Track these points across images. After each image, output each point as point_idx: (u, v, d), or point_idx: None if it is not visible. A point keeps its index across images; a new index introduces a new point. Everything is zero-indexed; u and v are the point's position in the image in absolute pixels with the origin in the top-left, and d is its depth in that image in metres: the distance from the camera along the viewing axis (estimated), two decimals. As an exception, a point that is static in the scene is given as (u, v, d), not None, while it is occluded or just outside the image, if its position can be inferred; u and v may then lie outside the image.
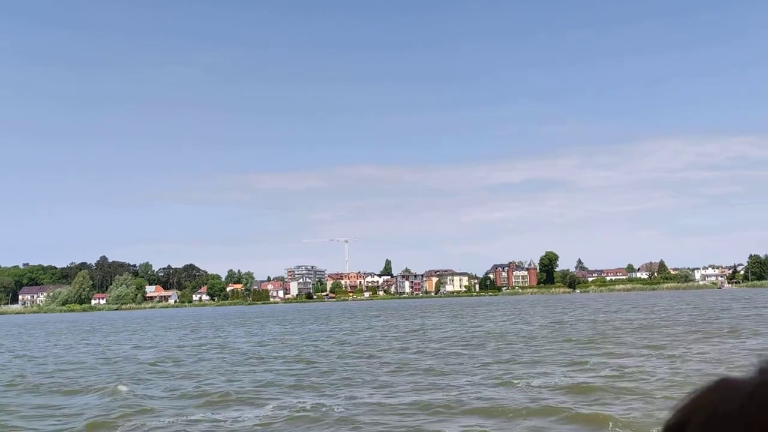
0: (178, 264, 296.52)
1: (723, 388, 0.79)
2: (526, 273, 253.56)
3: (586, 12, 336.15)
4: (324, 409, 15.24)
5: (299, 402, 16.29)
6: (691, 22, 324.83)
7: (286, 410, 15.30)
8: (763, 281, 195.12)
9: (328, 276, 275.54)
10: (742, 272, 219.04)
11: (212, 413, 15.41)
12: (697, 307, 63.06)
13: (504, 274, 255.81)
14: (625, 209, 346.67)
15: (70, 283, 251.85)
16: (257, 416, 14.75)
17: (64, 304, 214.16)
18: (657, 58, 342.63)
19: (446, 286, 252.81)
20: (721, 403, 0.77)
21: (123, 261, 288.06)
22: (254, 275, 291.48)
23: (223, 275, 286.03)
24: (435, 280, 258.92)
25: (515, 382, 18.28)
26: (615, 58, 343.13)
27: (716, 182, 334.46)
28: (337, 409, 15.21)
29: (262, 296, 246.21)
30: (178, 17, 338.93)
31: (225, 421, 14.38)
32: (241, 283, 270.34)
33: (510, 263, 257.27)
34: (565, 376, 19.02)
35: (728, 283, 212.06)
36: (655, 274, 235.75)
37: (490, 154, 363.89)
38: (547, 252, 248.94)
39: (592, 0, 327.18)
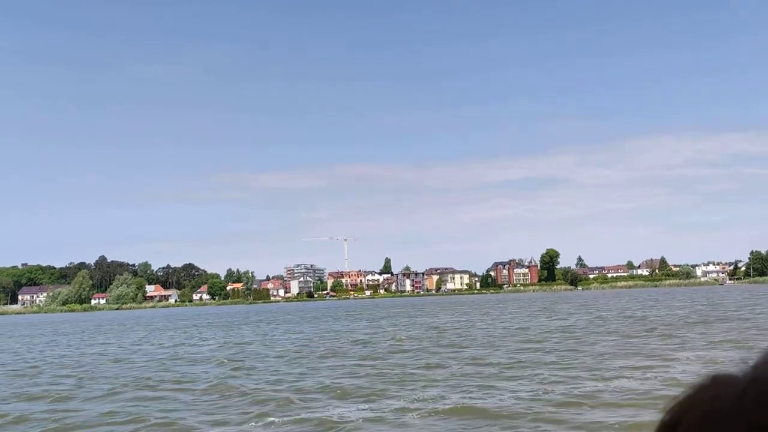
0: (177, 263, 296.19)
1: (716, 385, 0.78)
2: (527, 270, 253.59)
3: (584, 10, 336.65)
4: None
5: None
6: (690, 20, 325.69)
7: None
8: (765, 277, 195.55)
9: (329, 275, 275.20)
10: (743, 268, 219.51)
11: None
12: (719, 304, 62.73)
13: (505, 271, 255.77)
14: (623, 206, 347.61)
15: (69, 283, 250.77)
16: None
17: (64, 304, 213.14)
18: (654, 55, 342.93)
19: (447, 284, 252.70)
20: (714, 400, 0.76)
21: (122, 261, 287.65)
22: (253, 274, 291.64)
23: (222, 274, 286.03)
24: (436, 278, 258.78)
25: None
26: (612, 56, 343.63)
27: (713, 179, 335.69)
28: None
29: (262, 295, 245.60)
30: (177, 16, 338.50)
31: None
32: (240, 282, 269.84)
33: (511, 261, 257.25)
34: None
35: (729, 279, 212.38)
36: (656, 270, 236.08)
37: (487, 152, 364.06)
38: (548, 250, 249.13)
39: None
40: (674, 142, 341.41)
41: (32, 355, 35.06)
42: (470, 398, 15.43)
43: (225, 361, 26.70)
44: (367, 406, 14.93)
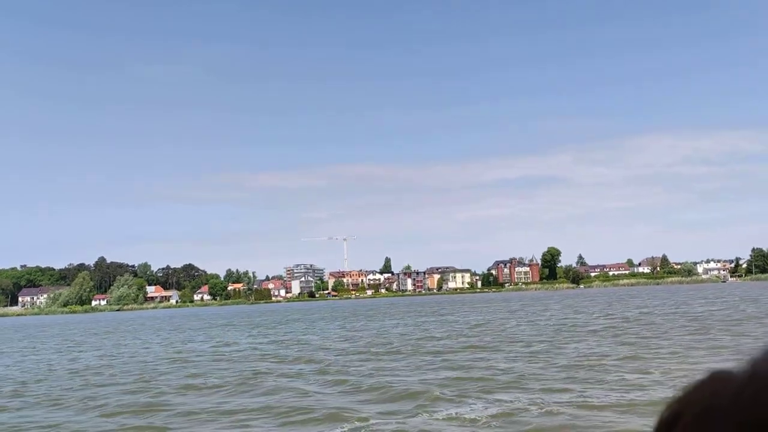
0: (176, 264, 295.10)
1: (715, 381, 0.77)
2: (528, 269, 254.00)
3: (583, 10, 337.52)
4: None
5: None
6: (687, 18, 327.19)
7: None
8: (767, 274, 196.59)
9: (330, 274, 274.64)
10: (743, 265, 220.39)
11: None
12: (757, 300, 62.59)
13: (506, 270, 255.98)
14: (621, 205, 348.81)
15: (68, 285, 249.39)
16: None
17: (65, 305, 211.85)
18: (653, 54, 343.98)
19: (449, 283, 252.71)
20: (713, 397, 0.76)
21: (121, 261, 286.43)
22: (254, 274, 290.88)
23: (222, 275, 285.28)
24: (437, 277, 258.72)
25: None
26: (609, 55, 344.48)
27: (710, 177, 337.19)
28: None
29: (264, 295, 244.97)
30: (177, 16, 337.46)
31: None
32: (240, 282, 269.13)
33: (512, 259, 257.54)
34: None
35: (731, 276, 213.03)
36: (658, 268, 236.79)
37: (485, 151, 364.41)
38: (549, 248, 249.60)
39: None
40: (672, 141, 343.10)
41: (147, 354, 34.55)
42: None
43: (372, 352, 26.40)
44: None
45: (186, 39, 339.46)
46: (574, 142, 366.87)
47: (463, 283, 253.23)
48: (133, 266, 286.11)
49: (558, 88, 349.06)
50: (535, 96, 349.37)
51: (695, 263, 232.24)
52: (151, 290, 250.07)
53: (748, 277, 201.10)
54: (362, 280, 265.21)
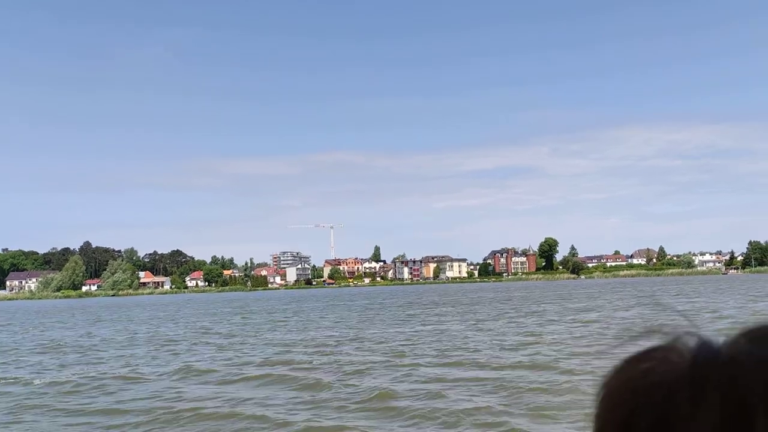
0: (163, 250, 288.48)
1: (661, 352, 0.71)
2: (525, 259, 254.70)
3: (560, 1, 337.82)
4: None
5: None
6: (665, 12, 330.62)
7: None
8: (766, 267, 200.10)
9: (326, 262, 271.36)
10: (739, 258, 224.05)
11: None
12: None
13: (503, 260, 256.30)
14: (596, 196, 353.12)
15: (53, 269, 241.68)
16: None
17: (58, 290, 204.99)
18: (628, 46, 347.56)
19: (446, 272, 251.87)
20: (664, 365, 0.69)
21: (106, 246, 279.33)
22: (240, 260, 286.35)
23: (208, 260, 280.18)
24: (433, 266, 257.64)
25: None
26: (587, 46, 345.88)
27: (684, 170, 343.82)
28: None
29: (260, 282, 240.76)
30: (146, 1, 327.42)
31: None
32: (227, 268, 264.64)
33: (509, 249, 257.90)
34: None
35: (731, 269, 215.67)
36: (654, 260, 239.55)
37: (462, 141, 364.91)
38: (546, 238, 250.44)
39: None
40: (647, 133, 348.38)
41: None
42: None
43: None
44: None
45: (155, 22, 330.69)
46: (551, 134, 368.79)
47: (460, 272, 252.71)
48: (119, 251, 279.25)
49: (535, 79, 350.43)
50: (512, 86, 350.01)
51: (693, 255, 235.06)
52: (141, 276, 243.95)
53: (748, 270, 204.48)
54: (358, 268, 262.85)
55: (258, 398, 14.70)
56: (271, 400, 14.49)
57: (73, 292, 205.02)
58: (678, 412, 0.66)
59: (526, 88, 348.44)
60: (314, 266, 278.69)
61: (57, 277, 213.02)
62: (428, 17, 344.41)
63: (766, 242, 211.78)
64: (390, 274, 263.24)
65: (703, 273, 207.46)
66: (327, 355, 22.62)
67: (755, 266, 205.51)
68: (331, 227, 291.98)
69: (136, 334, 37.52)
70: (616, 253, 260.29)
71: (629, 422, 0.69)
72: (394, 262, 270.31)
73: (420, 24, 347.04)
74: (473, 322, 36.40)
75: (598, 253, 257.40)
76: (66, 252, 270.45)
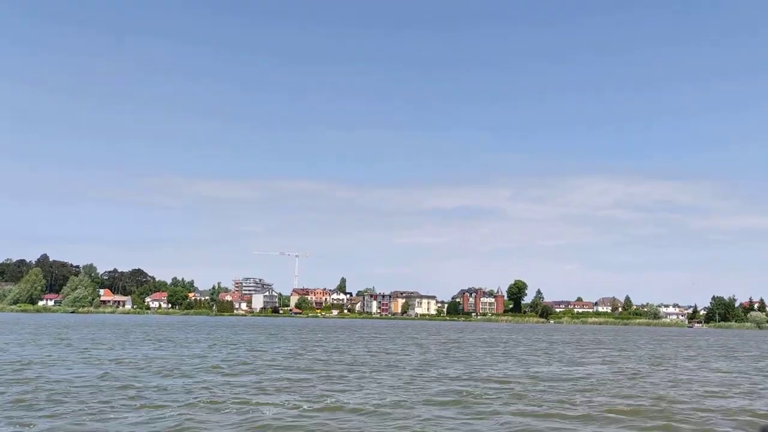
0: (103, 268, 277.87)
1: None
2: (493, 300, 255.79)
3: (531, 46, 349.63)
4: None
5: None
6: (631, 63, 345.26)
7: None
8: (730, 322, 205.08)
9: (293, 291, 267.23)
10: (702, 312, 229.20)
11: None
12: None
13: (471, 299, 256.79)
14: (556, 242, 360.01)
15: (6, 281, 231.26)
16: None
17: (15, 303, 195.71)
18: (593, 98, 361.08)
19: (415, 308, 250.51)
20: None
21: (64, 261, 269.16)
22: (200, 283, 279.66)
23: (168, 281, 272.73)
24: (402, 301, 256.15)
25: None
26: (553, 95, 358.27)
27: (640, 222, 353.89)
28: None
29: (226, 308, 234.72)
30: (118, 12, 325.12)
31: None
32: (190, 291, 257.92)
33: (477, 289, 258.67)
34: None
35: (696, 322, 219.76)
36: (619, 309, 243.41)
37: (424, 178, 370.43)
38: (515, 281, 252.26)
39: (541, 34, 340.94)
40: (606, 184, 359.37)
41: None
42: None
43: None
44: None
45: (125, 34, 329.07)
46: (512, 177, 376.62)
47: (429, 309, 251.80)
48: (77, 267, 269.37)
49: (504, 125, 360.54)
50: (478, 129, 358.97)
51: (658, 306, 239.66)
52: (101, 293, 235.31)
53: (712, 324, 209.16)
54: (326, 299, 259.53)
55: None
56: None
57: (30, 306, 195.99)
58: None
59: (490, 131, 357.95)
60: (281, 294, 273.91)
61: (14, 289, 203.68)
62: (407, 56, 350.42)
63: (729, 298, 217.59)
64: (358, 306, 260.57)
65: (668, 325, 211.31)
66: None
67: (718, 321, 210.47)
68: (297, 256, 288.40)
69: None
70: (579, 299, 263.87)
71: None
72: (362, 295, 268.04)
73: (392, 58, 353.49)
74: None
75: (559, 299, 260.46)
76: (21, 264, 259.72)
